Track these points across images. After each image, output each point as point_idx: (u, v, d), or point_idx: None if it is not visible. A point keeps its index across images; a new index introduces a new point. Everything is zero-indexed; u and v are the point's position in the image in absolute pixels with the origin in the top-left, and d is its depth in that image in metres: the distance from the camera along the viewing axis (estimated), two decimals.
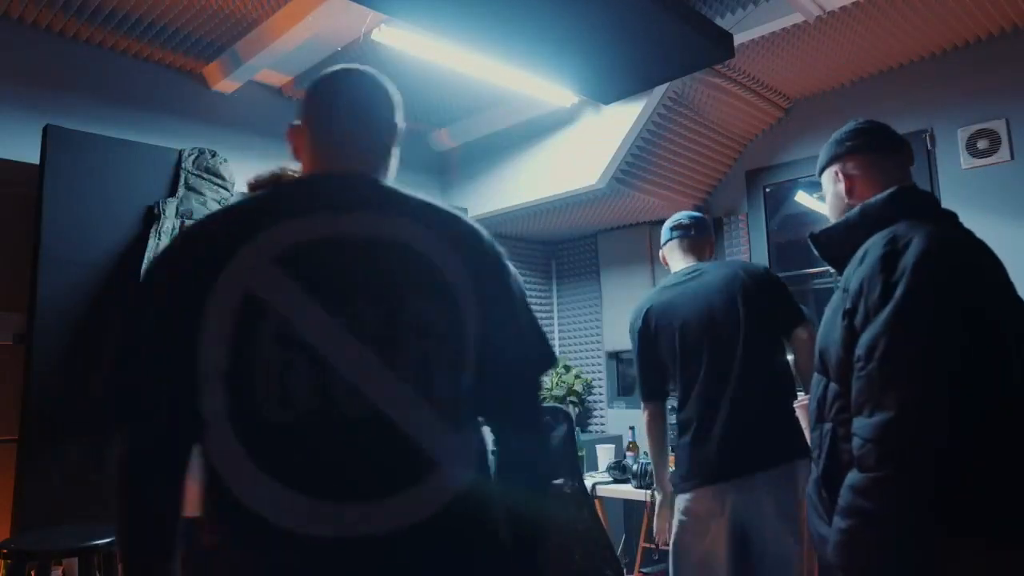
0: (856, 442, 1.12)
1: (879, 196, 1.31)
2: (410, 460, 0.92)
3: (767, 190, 3.91)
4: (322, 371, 0.89)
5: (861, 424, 1.11)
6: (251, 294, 0.90)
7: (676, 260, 2.34)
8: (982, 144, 3.14)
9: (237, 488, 0.88)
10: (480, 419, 1.07)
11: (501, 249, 1.11)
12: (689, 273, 2.25)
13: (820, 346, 1.31)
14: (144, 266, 0.99)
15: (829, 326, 1.27)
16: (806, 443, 1.72)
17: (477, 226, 1.10)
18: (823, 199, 1.50)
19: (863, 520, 1.10)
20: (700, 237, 2.34)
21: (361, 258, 0.96)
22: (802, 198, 3.86)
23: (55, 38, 3.06)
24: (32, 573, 2.05)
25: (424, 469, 0.92)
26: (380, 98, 1.12)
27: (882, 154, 1.39)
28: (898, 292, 1.13)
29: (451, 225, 1.06)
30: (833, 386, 1.24)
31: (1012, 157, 3.08)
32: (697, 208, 4.11)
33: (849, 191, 1.40)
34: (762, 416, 2.04)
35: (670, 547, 2.15)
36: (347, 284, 0.94)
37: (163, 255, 1.01)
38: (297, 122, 1.11)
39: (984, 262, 1.20)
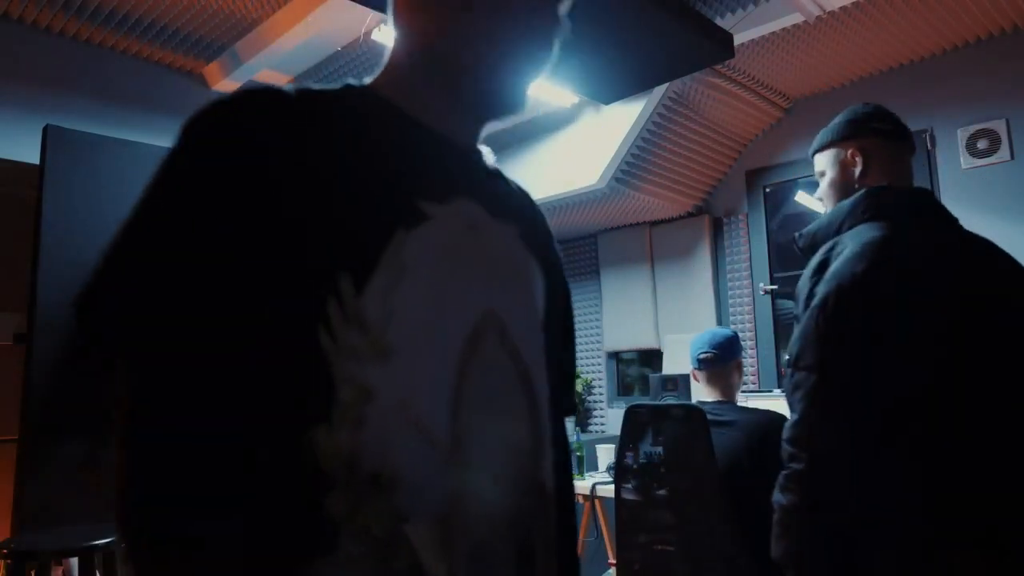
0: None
1: (847, 201, 1.28)
2: None
3: (767, 190, 3.91)
4: None
5: (785, 425, 1.17)
6: None
7: None
8: (982, 144, 3.14)
9: None
10: None
11: None
12: None
13: None
14: None
15: None
16: None
17: None
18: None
19: (779, 512, 1.14)
20: None
21: None
22: (802, 198, 3.85)
23: (55, 38, 3.06)
24: (32, 573, 2.05)
25: None
26: None
27: (900, 145, 1.33)
28: (812, 303, 1.14)
29: None
30: None
31: (1012, 157, 3.08)
32: (697, 208, 4.11)
33: (864, 173, 1.31)
34: None
35: None
36: None
37: None
38: None
39: (925, 272, 1.14)
